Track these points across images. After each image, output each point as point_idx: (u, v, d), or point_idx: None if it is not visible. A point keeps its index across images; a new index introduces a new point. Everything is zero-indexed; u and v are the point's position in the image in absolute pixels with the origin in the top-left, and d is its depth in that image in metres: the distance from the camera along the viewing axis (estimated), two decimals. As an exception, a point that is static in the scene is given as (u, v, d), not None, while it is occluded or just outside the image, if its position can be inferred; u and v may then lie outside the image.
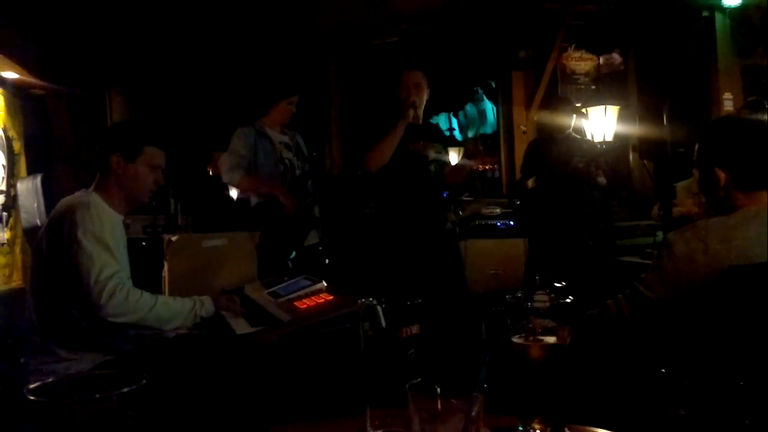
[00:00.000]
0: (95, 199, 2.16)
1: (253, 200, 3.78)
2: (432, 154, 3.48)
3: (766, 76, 6.19)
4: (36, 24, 5.63)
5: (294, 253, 3.59)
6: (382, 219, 3.49)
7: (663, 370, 0.99)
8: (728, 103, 6.32)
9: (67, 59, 5.98)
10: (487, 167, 7.40)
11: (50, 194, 4.71)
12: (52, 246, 2.09)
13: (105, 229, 2.06)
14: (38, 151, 6.06)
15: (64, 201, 2.17)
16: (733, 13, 6.35)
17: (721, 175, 1.67)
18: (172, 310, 2.14)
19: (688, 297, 1.57)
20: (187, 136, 6.94)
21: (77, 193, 2.21)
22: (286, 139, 3.86)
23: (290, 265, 3.48)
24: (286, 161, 3.79)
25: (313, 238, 3.86)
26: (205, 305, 2.22)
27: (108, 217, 2.13)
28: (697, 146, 1.77)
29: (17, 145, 5.74)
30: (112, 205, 2.21)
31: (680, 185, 4.64)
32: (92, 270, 1.98)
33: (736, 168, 1.66)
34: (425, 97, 3.49)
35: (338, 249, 4.44)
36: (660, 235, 4.26)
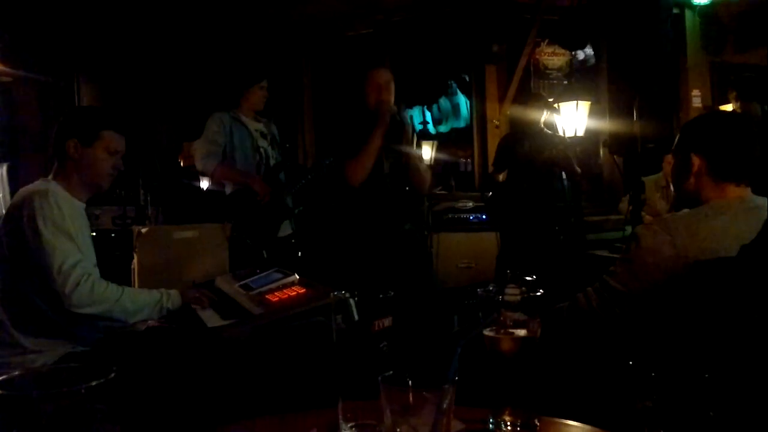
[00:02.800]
0: (54, 186, 2.11)
1: (228, 189, 3.75)
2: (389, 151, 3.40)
3: (734, 73, 6.30)
4: (3, 10, 5.50)
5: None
6: (344, 215, 3.43)
7: (630, 363, 1.01)
8: (697, 99, 6.42)
9: (35, 46, 5.87)
10: (460, 160, 7.43)
11: (17, 183, 4.63)
12: (13, 236, 2.04)
13: (65, 217, 2.03)
14: (5, 139, 5.94)
15: (23, 190, 2.13)
16: (703, 10, 6.44)
17: (696, 160, 1.70)
18: (139, 301, 2.12)
19: (655, 290, 1.59)
20: (157, 125, 6.86)
21: (36, 182, 2.16)
22: (261, 127, 3.82)
23: (264, 254, 3.46)
24: (262, 150, 3.76)
25: (286, 229, 3.84)
26: (172, 298, 2.19)
27: (68, 204, 2.09)
28: (678, 135, 1.80)
29: (-18, 134, 5.63)
30: (72, 192, 2.16)
31: (649, 179, 4.72)
32: (55, 260, 1.95)
33: (712, 154, 1.69)
34: (392, 96, 3.40)
35: (311, 241, 4.42)
36: (629, 229, 4.32)
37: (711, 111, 3.85)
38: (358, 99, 3.37)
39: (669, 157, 4.22)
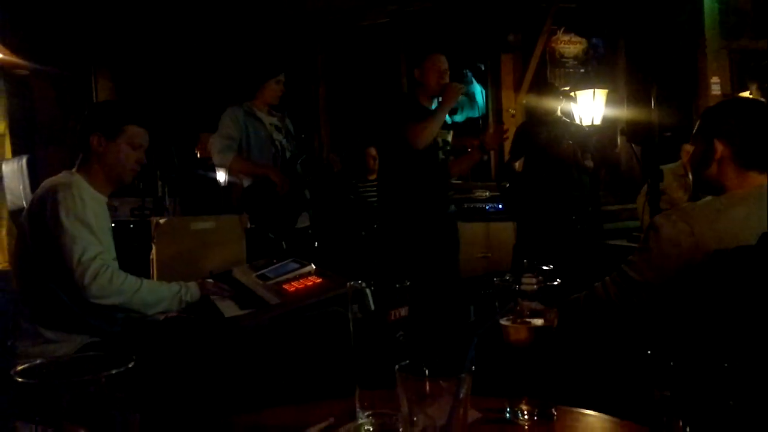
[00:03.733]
0: (77, 179, 2.14)
1: (245, 182, 3.76)
2: (441, 138, 3.56)
3: (753, 60, 6.21)
4: (20, 3, 5.55)
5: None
6: (387, 203, 3.53)
7: (648, 352, 1.00)
8: (716, 86, 6.34)
9: (51, 39, 5.91)
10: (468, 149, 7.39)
11: (36, 175, 4.67)
12: (35, 227, 2.07)
13: (87, 209, 2.05)
14: (23, 132, 5.99)
15: (47, 182, 2.16)
16: (721, -4, 6.36)
17: (719, 146, 1.67)
18: (157, 294, 2.14)
19: (674, 279, 1.58)
20: (174, 117, 6.88)
21: (60, 174, 2.19)
22: (275, 120, 3.82)
23: (284, 245, 3.47)
24: (277, 143, 3.77)
25: (304, 221, 3.85)
26: (190, 290, 2.21)
27: (90, 197, 2.12)
28: (698, 122, 1.77)
29: (1, 126, 5.68)
30: (95, 185, 2.19)
31: (666, 169, 4.67)
32: (75, 251, 1.98)
33: (738, 141, 1.66)
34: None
35: (327, 232, 4.43)
36: (646, 219, 4.28)
37: (735, 97, 3.79)
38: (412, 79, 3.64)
39: (687, 146, 4.17)
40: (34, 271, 2.09)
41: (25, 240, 2.10)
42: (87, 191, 2.13)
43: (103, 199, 2.23)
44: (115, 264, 2.15)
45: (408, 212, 3.46)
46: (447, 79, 3.54)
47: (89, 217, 2.05)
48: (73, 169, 2.22)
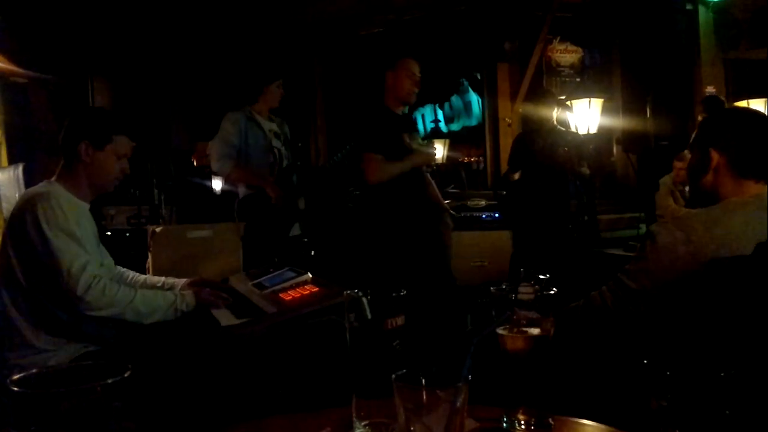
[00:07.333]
0: (55, 189, 2.11)
1: (242, 192, 3.75)
2: (415, 146, 3.47)
3: (748, 69, 6.24)
4: (17, 11, 5.55)
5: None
6: (374, 212, 3.47)
7: (645, 362, 1.00)
8: (711, 96, 6.36)
9: (48, 47, 5.91)
10: (472, 159, 7.42)
11: (32, 183, 4.67)
12: (19, 240, 2.04)
13: (69, 218, 2.03)
14: (19, 140, 5.98)
15: (25, 193, 2.14)
16: (716, 6, 6.38)
17: (715, 156, 1.69)
18: (152, 304, 2.12)
19: (671, 288, 1.58)
20: (170, 125, 6.89)
21: (38, 185, 2.17)
22: (274, 126, 3.83)
23: (276, 260, 3.47)
24: (276, 150, 3.77)
25: (296, 230, 3.85)
26: (186, 299, 2.19)
27: (71, 206, 2.09)
28: (695, 131, 1.79)
29: (-2, 134, 5.66)
30: (76, 193, 2.17)
31: (662, 181, 4.69)
32: (63, 263, 1.96)
33: (732, 150, 1.67)
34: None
35: (323, 240, 4.43)
36: (643, 227, 4.30)
37: (733, 107, 3.81)
38: (379, 92, 3.46)
39: (684, 155, 4.19)
40: (21, 283, 2.05)
41: (10, 252, 2.07)
42: (66, 199, 2.10)
43: (85, 206, 2.21)
44: (103, 270, 2.13)
45: (387, 226, 3.39)
46: (418, 87, 3.43)
47: (72, 226, 2.03)
48: (53, 178, 2.19)
